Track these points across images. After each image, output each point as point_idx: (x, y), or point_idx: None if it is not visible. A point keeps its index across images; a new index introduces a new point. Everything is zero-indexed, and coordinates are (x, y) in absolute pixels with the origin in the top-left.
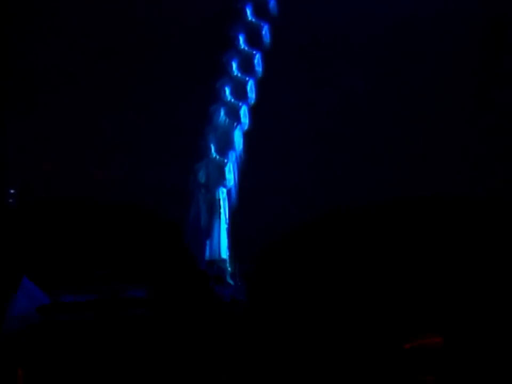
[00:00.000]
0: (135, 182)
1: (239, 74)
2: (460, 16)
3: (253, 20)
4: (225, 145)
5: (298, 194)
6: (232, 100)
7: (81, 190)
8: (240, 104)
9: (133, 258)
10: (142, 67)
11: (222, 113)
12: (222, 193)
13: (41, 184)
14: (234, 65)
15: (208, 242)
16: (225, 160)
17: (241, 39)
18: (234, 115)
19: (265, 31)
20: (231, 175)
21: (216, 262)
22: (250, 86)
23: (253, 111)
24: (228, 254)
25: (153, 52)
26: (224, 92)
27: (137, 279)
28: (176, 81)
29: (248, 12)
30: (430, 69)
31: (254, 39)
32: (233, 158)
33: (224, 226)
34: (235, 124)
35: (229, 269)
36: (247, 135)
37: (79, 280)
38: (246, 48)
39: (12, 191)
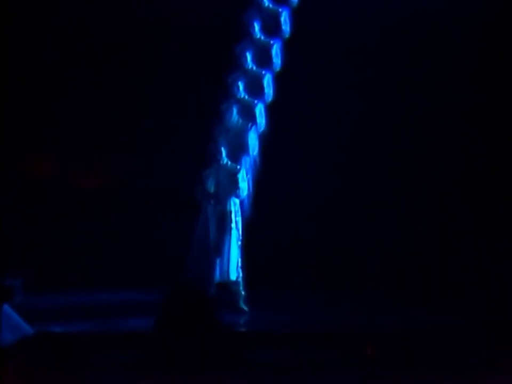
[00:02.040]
0: (135, 188)
1: (254, 67)
2: (462, 16)
3: (270, 4)
4: (238, 149)
5: (320, 204)
6: (246, 97)
7: (82, 192)
8: (255, 101)
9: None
10: (143, 60)
11: (235, 112)
12: (234, 205)
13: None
14: (248, 57)
15: (218, 261)
16: (238, 167)
17: (256, 26)
18: (248, 114)
19: (285, 17)
20: (244, 183)
21: (227, 285)
22: (267, 80)
23: (270, 110)
24: (240, 275)
25: (156, 44)
26: (237, 87)
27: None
28: (181, 76)
29: None
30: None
31: (272, 27)
32: (247, 164)
33: (236, 243)
34: (249, 125)
35: (242, 292)
36: (263, 138)
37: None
38: (263, 37)
39: None
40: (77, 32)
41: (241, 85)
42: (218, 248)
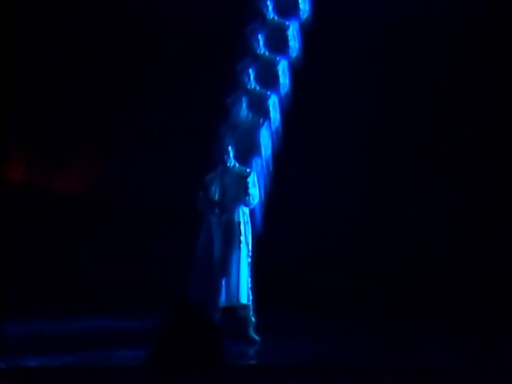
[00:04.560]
0: (125, 196)
1: (267, 53)
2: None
3: None
4: (248, 149)
5: (342, 213)
6: (258, 88)
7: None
8: (268, 93)
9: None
10: (141, 49)
11: (244, 105)
12: (243, 215)
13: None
14: (260, 40)
15: (224, 282)
16: (248, 170)
17: (270, 4)
18: (260, 108)
19: None
20: (255, 189)
21: (235, 310)
22: (283, 68)
23: (285, 103)
24: (251, 298)
25: (155, 28)
26: (247, 76)
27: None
28: (181, 63)
29: None
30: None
31: (288, 5)
32: (259, 167)
33: (245, 260)
34: (261, 120)
35: (253, 318)
36: (277, 135)
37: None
38: (277, 18)
39: None
40: (76, 32)
41: (251, 74)
42: (225, 266)
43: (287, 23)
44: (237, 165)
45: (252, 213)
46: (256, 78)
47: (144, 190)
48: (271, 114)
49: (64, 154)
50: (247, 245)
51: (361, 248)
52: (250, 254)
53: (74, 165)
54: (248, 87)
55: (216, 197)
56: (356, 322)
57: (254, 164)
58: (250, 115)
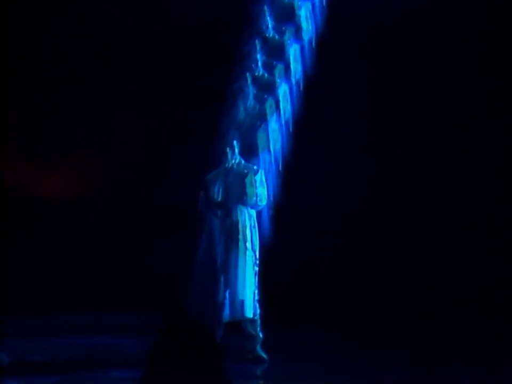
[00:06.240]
0: (120, 198)
1: (277, 36)
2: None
3: None
4: (255, 145)
5: (359, 215)
6: (266, 75)
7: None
8: (278, 81)
9: None
10: (142, 36)
11: (251, 95)
12: (249, 218)
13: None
14: (269, 22)
15: (227, 293)
16: (255, 167)
17: None
18: (269, 98)
19: None
20: (263, 189)
21: (240, 324)
22: (294, 53)
23: (297, 92)
24: (258, 312)
25: (156, 19)
26: (255, 62)
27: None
28: (178, 47)
29: None
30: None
31: None
32: (267, 164)
33: (251, 268)
34: (270, 112)
35: (260, 334)
36: (288, 129)
37: None
38: None
39: None
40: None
41: (259, 59)
42: (228, 275)
43: (299, 2)
44: (243, 161)
45: (259, 215)
46: (264, 64)
47: (141, 191)
48: (281, 105)
49: (62, 155)
50: (254, 252)
51: (380, 258)
52: (257, 262)
53: (71, 166)
54: (256, 74)
55: (219, 198)
56: (372, 339)
57: (261, 160)
58: (258, 106)
